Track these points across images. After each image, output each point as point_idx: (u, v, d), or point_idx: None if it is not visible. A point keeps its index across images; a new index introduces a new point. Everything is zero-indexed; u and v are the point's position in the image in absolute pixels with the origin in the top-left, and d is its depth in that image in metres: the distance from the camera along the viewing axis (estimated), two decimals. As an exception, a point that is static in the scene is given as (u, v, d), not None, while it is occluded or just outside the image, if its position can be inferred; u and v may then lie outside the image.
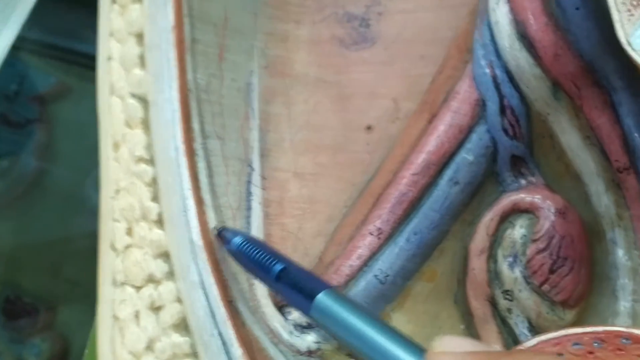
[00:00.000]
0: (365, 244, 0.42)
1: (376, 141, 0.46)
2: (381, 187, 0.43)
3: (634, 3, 0.33)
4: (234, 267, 0.40)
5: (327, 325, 0.35)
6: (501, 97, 0.40)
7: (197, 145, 0.40)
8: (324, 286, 0.36)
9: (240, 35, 0.45)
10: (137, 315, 0.39)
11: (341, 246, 0.42)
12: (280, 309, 0.41)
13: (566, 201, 0.41)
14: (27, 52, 0.92)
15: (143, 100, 0.40)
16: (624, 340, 0.31)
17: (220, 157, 0.42)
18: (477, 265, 0.41)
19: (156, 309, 0.39)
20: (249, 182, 0.43)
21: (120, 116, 0.41)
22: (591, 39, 0.38)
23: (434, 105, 0.42)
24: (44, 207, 0.94)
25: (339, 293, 0.36)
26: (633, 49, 0.33)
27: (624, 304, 0.40)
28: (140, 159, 0.40)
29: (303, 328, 0.41)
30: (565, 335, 0.33)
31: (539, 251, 0.40)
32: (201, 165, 0.40)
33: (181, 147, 0.39)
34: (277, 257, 0.38)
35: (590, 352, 0.32)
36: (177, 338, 0.38)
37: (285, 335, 0.40)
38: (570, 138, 0.40)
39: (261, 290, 0.41)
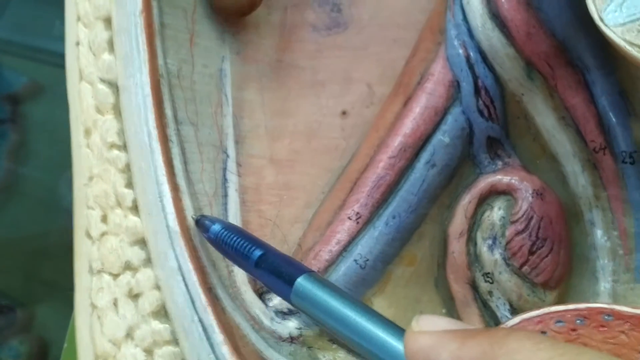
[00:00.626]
0: (344, 229, 0.41)
1: (351, 126, 0.45)
2: (358, 171, 0.42)
3: (606, -22, 0.33)
4: (213, 255, 0.39)
5: (308, 309, 0.35)
6: (475, 77, 0.40)
7: (171, 131, 0.39)
8: (303, 270, 0.36)
9: (210, 21, 0.44)
10: (115, 303, 0.38)
11: (320, 232, 0.42)
12: (261, 295, 0.41)
13: (543, 182, 0.41)
14: (-2, 51, 0.91)
15: (113, 86, 0.39)
16: (606, 317, 0.31)
17: (194, 144, 0.41)
18: (457, 248, 0.41)
19: (134, 296, 0.38)
20: (224, 169, 0.43)
21: (90, 102, 0.40)
22: (563, 17, 0.38)
23: (408, 88, 0.42)
24: (17, 207, 0.93)
25: (318, 277, 0.36)
26: (605, 25, 0.33)
27: (605, 285, 0.40)
28: (112, 145, 0.39)
29: (284, 314, 0.40)
30: (548, 313, 0.32)
31: (518, 232, 0.40)
32: (175, 152, 0.39)
33: (154, 133, 0.38)
34: (256, 243, 0.37)
35: (573, 329, 0.32)
36: (157, 325, 0.37)
37: (266, 322, 0.40)
38: (545, 119, 0.40)
39: (241, 277, 0.40)
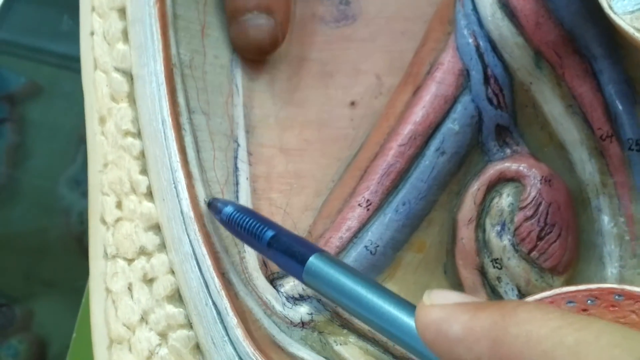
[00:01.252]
0: (354, 215, 0.42)
1: (360, 117, 0.46)
2: (368, 159, 0.43)
3: (616, -35, 0.34)
4: (225, 241, 0.40)
5: (320, 287, 0.35)
6: (485, 66, 0.40)
7: (184, 119, 0.40)
8: (314, 250, 0.36)
9: (221, 12, 0.45)
10: (130, 288, 0.39)
11: (330, 219, 0.43)
12: (272, 281, 0.41)
13: (551, 169, 0.41)
14: (-3, 52, 0.91)
15: (127, 75, 0.40)
16: (617, 297, 0.32)
17: (206, 133, 0.42)
18: (466, 234, 0.42)
19: (149, 281, 0.38)
20: (235, 158, 0.43)
21: (105, 90, 0.40)
22: (571, 6, 0.39)
23: (417, 77, 0.42)
24: (16, 206, 0.93)
25: (329, 256, 0.36)
26: (614, 13, 0.34)
27: (611, 270, 0.40)
28: (127, 133, 0.40)
29: (295, 300, 0.41)
30: (559, 294, 0.33)
31: (527, 218, 0.40)
32: (188, 140, 0.40)
33: (168, 120, 0.38)
34: (268, 224, 0.38)
35: (584, 310, 0.32)
36: (171, 309, 0.38)
37: (278, 307, 0.40)
38: (553, 107, 0.41)
39: (252, 263, 0.41)
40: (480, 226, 0.42)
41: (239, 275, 0.40)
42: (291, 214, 0.44)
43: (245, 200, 0.42)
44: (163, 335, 0.38)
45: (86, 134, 0.41)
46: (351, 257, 0.41)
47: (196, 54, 0.43)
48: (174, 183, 0.38)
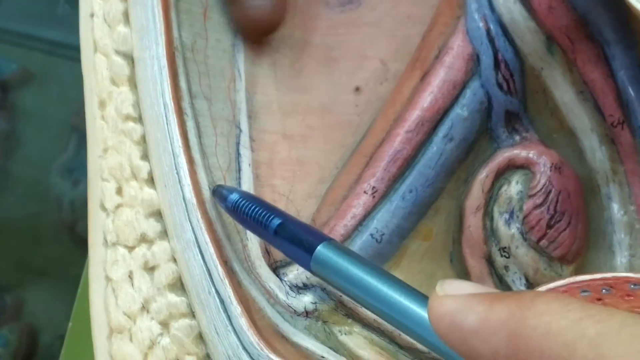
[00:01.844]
0: (359, 203, 0.41)
1: (365, 102, 0.45)
2: (373, 146, 0.42)
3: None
4: (227, 228, 0.39)
5: (328, 276, 0.35)
6: (495, 51, 0.40)
7: (185, 104, 0.39)
8: (322, 238, 0.35)
9: (224, -5, 0.44)
10: (130, 276, 0.38)
11: (334, 206, 0.42)
12: (275, 270, 0.40)
13: (561, 156, 0.41)
14: (-13, 39, 0.91)
15: (128, 57, 0.39)
16: (632, 286, 0.31)
17: (208, 118, 0.41)
18: (473, 222, 0.41)
19: (150, 269, 0.37)
20: (237, 144, 0.42)
21: (105, 74, 0.39)
22: (585, -10, 0.38)
23: (425, 62, 0.41)
24: (7, 195, 0.93)
25: (338, 244, 0.35)
26: (630, -3, 0.33)
27: (621, 259, 0.40)
28: (128, 117, 0.39)
29: (299, 289, 0.40)
30: (574, 283, 0.32)
31: (536, 206, 0.40)
32: (190, 125, 0.39)
33: (170, 104, 0.38)
34: (275, 212, 0.37)
35: (599, 299, 0.31)
36: (173, 298, 0.37)
37: (281, 296, 0.39)
38: (564, 93, 0.40)
39: (255, 252, 0.40)
40: (488, 214, 0.41)
41: (242, 264, 0.39)
42: (294, 201, 0.43)
43: (247, 187, 0.42)
44: (165, 325, 0.37)
45: (85, 118, 0.40)
46: (356, 245, 0.40)
47: (198, 37, 0.42)
48: (176, 169, 0.37)
